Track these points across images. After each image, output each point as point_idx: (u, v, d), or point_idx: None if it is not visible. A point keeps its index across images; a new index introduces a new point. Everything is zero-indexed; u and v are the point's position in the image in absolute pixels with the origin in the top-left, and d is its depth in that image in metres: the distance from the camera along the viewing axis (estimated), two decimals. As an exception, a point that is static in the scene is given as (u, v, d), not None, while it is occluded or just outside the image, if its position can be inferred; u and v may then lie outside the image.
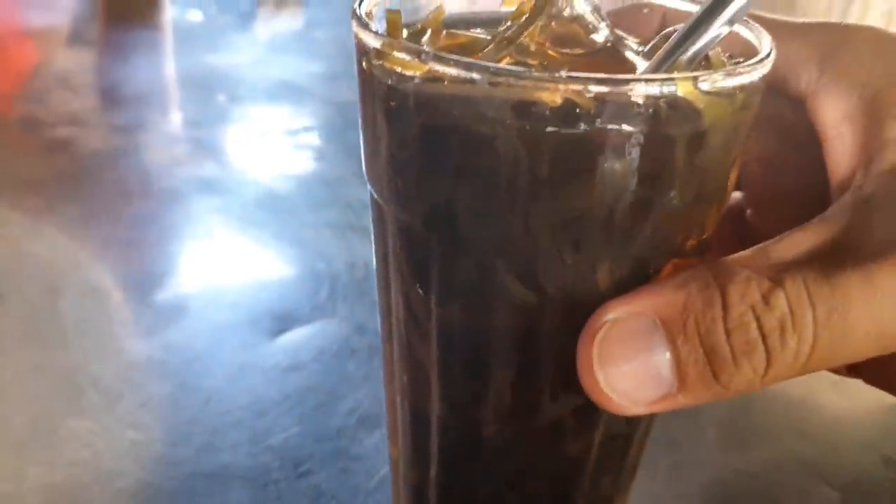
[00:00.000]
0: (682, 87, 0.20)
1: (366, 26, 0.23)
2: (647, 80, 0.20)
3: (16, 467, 0.35)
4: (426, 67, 0.21)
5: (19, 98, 0.78)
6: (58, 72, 0.84)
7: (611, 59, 0.25)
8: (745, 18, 0.24)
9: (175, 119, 0.75)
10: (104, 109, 0.76)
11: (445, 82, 0.21)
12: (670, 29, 0.24)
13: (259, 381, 0.41)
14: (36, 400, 0.39)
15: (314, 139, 0.70)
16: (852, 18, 0.61)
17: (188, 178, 0.62)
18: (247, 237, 0.54)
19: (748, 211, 0.31)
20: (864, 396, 0.42)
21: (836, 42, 0.25)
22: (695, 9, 0.24)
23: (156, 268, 0.50)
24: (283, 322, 0.45)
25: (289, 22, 1.09)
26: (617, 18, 0.28)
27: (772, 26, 0.24)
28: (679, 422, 0.40)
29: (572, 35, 0.25)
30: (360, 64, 0.24)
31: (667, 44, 0.22)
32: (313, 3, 1.16)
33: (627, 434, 0.27)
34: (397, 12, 0.25)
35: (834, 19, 0.63)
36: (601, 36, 0.25)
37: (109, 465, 0.36)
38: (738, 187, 0.30)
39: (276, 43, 1.01)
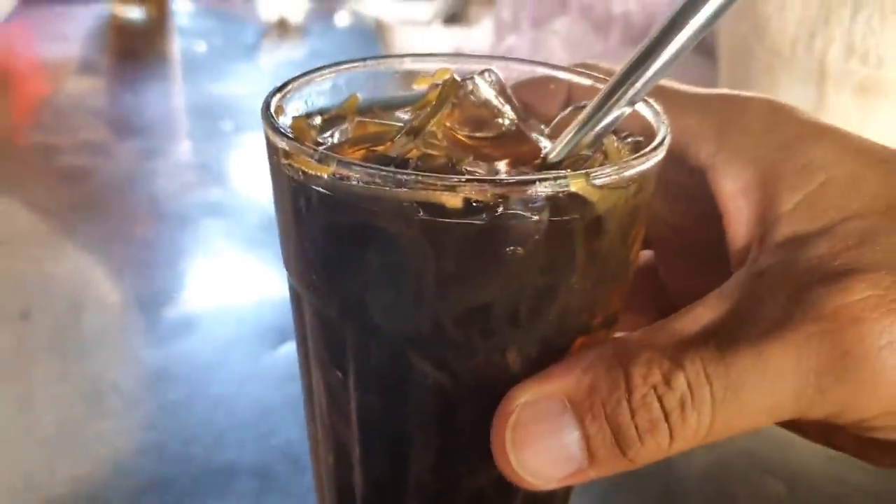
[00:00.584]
0: (575, 184, 0.21)
1: (273, 126, 0.24)
2: (541, 180, 0.21)
3: (45, 461, 0.39)
4: (330, 170, 0.22)
5: (34, 127, 0.82)
6: (70, 102, 0.88)
7: (516, 141, 0.25)
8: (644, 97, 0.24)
9: (183, 146, 0.80)
10: (116, 138, 0.80)
11: (351, 182, 0.21)
12: (573, 106, 0.26)
13: (263, 387, 0.45)
14: (62, 404, 0.43)
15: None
16: (816, 51, 0.65)
17: (196, 203, 0.66)
18: (251, 257, 0.59)
19: (660, 268, 0.31)
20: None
21: (733, 115, 0.25)
22: (599, 85, 0.25)
23: (168, 286, 0.55)
24: (284, 335, 0.49)
25: (291, 52, 1.14)
26: (523, 91, 0.28)
27: (672, 98, 0.25)
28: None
29: (478, 119, 0.25)
30: (270, 159, 0.24)
31: (570, 126, 0.23)
32: (314, 34, 1.21)
33: (548, 497, 0.28)
34: (302, 118, 0.26)
35: (799, 50, 0.67)
36: (506, 118, 0.26)
37: (129, 460, 0.40)
38: (648, 245, 0.31)
39: (279, 73, 1.05)
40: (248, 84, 0.99)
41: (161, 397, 0.44)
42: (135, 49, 1.11)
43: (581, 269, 0.23)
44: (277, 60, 1.13)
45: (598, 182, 0.21)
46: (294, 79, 0.27)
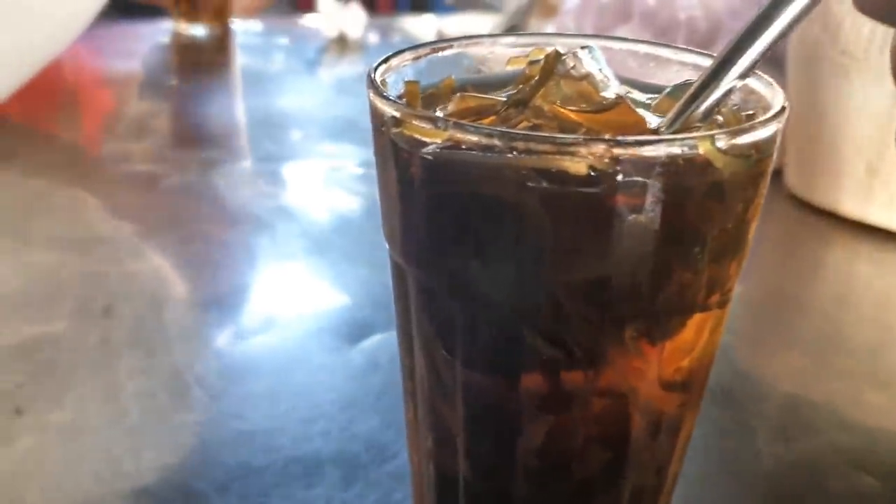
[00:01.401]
0: (702, 146, 0.20)
1: (382, 94, 0.23)
2: (668, 141, 0.21)
3: (133, 450, 0.40)
4: (446, 135, 0.21)
5: (104, 138, 0.84)
6: (137, 114, 0.90)
7: (623, 114, 0.24)
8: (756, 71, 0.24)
9: (252, 155, 0.81)
10: (185, 148, 0.81)
11: (464, 149, 0.21)
12: (679, 82, 0.25)
13: (345, 380, 0.45)
14: (147, 396, 0.43)
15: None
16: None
17: (269, 207, 0.67)
18: (324, 258, 0.59)
19: None
20: (906, 396, 0.45)
21: None
22: (707, 62, 0.24)
23: (245, 283, 0.55)
24: (362, 331, 0.49)
25: (351, 66, 1.15)
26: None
27: None
28: (730, 413, 0.43)
29: (583, 93, 0.25)
30: (376, 130, 0.24)
31: (682, 99, 0.23)
32: (372, 51, 1.22)
33: (656, 486, 0.27)
34: (415, 83, 0.26)
35: (873, 52, 0.66)
36: (611, 92, 0.25)
37: (215, 450, 0.40)
38: None
39: (341, 86, 1.06)
40: (310, 97, 1.00)
41: (245, 389, 0.44)
42: (198, 64, 1.13)
43: (702, 239, 0.22)
44: (338, 74, 1.14)
45: (722, 145, 0.21)
46: (395, 53, 0.27)
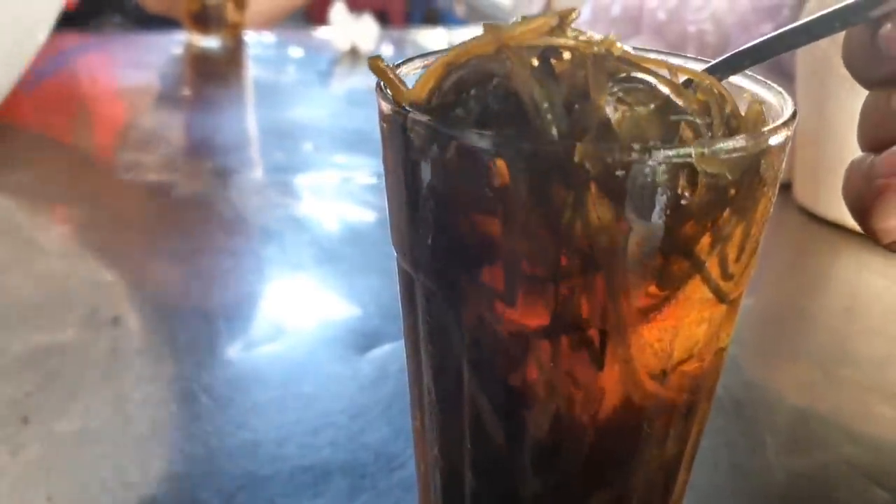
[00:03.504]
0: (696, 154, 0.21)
1: (391, 100, 0.24)
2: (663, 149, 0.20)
3: (141, 460, 0.40)
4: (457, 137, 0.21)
5: (116, 147, 0.84)
6: (149, 125, 0.91)
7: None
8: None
9: (264, 165, 0.81)
10: (197, 158, 0.82)
11: (479, 148, 0.21)
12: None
13: (353, 389, 0.45)
14: (155, 405, 0.44)
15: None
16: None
17: (279, 217, 0.67)
18: (334, 268, 0.59)
19: None
20: (918, 410, 0.45)
21: None
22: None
23: (255, 293, 0.55)
24: (371, 340, 0.49)
25: (363, 78, 1.15)
26: None
27: None
28: (738, 427, 0.43)
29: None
30: (384, 135, 0.24)
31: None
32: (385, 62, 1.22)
33: (664, 494, 0.27)
34: (378, 57, 0.26)
35: None
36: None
37: (223, 459, 0.40)
38: None
39: (352, 98, 1.07)
40: (322, 108, 1.01)
41: (252, 398, 0.44)
42: (211, 76, 1.14)
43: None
44: (350, 86, 1.14)
45: (718, 154, 0.21)
46: (405, 61, 0.27)
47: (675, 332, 0.23)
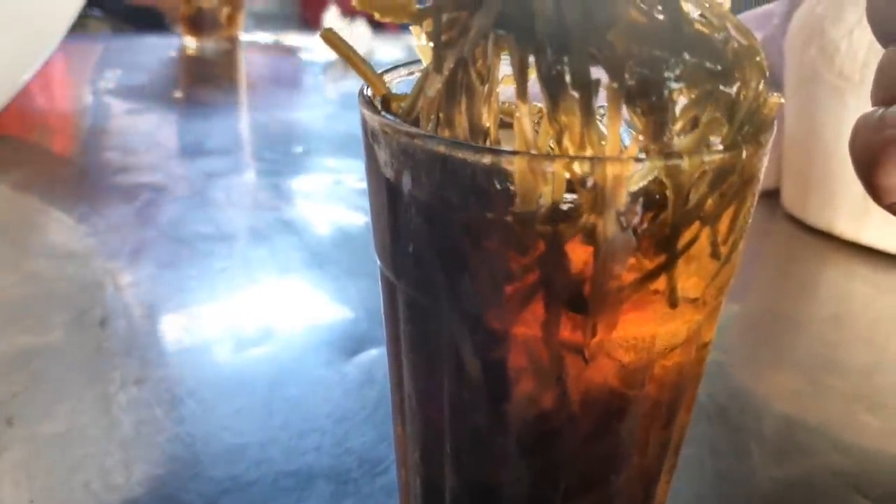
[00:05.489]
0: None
1: (371, 105, 0.24)
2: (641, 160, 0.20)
3: (124, 463, 0.40)
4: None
5: (107, 149, 0.84)
6: (141, 127, 0.90)
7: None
8: None
9: (255, 168, 0.81)
10: (187, 160, 0.82)
11: (458, 154, 0.21)
12: None
13: (339, 394, 0.45)
14: (140, 407, 0.43)
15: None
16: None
17: (268, 220, 0.67)
18: (323, 271, 0.59)
19: None
20: (902, 419, 0.45)
21: None
22: None
23: (242, 296, 0.55)
24: (358, 344, 0.49)
25: (356, 83, 1.16)
26: None
27: None
28: (723, 434, 0.43)
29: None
30: (366, 144, 0.25)
31: None
32: (377, 68, 1.22)
33: (645, 499, 0.27)
34: (330, 29, 0.25)
35: (869, 75, 0.66)
36: None
37: (207, 463, 0.40)
38: None
39: (344, 102, 1.07)
40: (314, 112, 1.01)
41: (238, 402, 0.44)
42: (205, 79, 1.14)
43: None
44: (342, 90, 1.14)
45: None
46: (389, 69, 0.28)
47: (660, 321, 0.22)
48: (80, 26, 1.36)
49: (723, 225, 0.22)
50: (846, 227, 0.68)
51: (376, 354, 0.49)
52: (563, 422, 0.23)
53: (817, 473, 0.41)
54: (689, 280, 0.22)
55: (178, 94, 1.06)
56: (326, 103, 1.08)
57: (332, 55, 1.22)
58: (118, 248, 0.61)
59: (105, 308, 0.52)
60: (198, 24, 1.25)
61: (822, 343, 0.55)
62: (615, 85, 0.20)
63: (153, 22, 1.42)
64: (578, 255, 0.21)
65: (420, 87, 0.24)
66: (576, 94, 0.20)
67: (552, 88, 0.20)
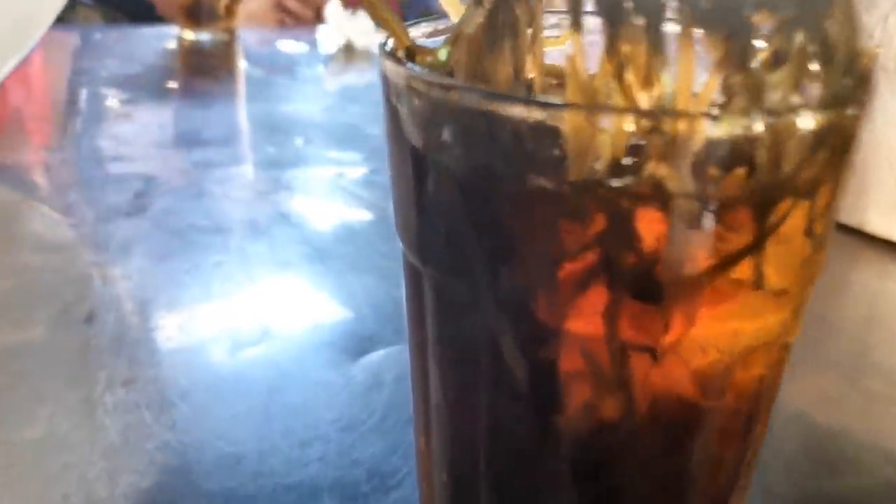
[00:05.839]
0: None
1: (395, 58, 0.20)
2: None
3: (108, 473, 0.36)
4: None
5: (99, 139, 0.80)
6: (137, 118, 0.87)
7: None
8: None
9: (253, 160, 0.77)
10: (182, 150, 0.78)
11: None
12: None
13: (344, 398, 0.41)
14: (127, 411, 0.40)
15: (386, 179, 0.72)
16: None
17: (269, 213, 0.63)
18: (326, 267, 0.55)
19: None
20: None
21: None
22: None
23: (239, 291, 0.51)
24: (364, 344, 0.46)
25: (357, 75, 1.12)
26: None
27: None
28: (769, 449, 0.39)
29: None
30: (388, 105, 0.21)
31: None
32: (378, 61, 1.19)
33: None
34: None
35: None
36: None
37: (200, 474, 0.36)
38: None
39: (346, 94, 1.03)
40: (315, 104, 0.97)
41: (234, 407, 0.40)
42: (203, 70, 1.11)
43: None
44: (344, 83, 1.11)
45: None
46: (412, 23, 0.24)
47: (745, 316, 0.19)
48: (70, 13, 1.33)
49: (821, 200, 0.18)
50: (879, 224, 0.64)
51: (384, 355, 0.45)
52: (625, 439, 0.19)
53: (870, 487, 0.37)
54: (778, 266, 0.18)
55: (173, 85, 1.02)
56: (327, 96, 1.04)
57: (332, 48, 1.19)
58: (107, 239, 0.57)
59: (92, 303, 0.48)
60: (195, 15, 1.21)
61: (858, 343, 0.52)
62: (686, 6, 0.16)
63: (146, 11, 1.38)
64: (649, 230, 0.17)
65: (455, 31, 0.20)
66: (640, 20, 0.16)
67: (612, 14, 0.16)
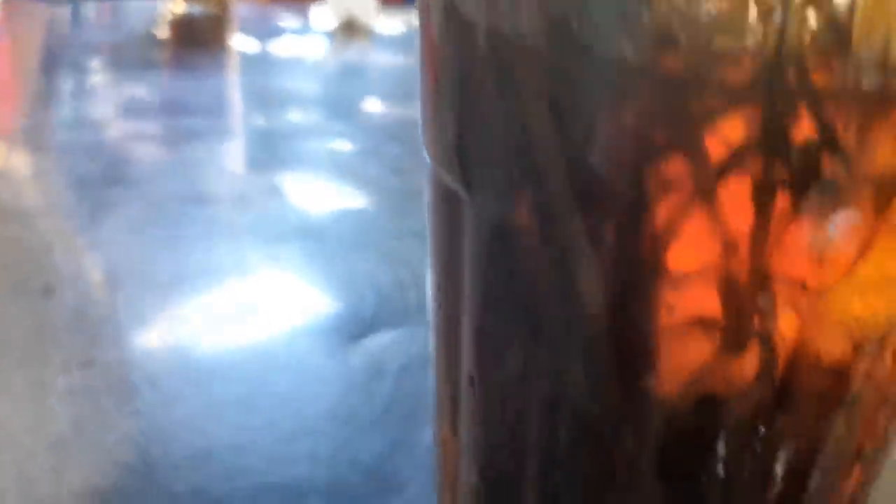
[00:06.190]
0: None
1: None
2: None
3: (55, 468, 0.30)
4: None
5: (75, 105, 0.75)
6: (121, 86, 0.81)
7: None
8: None
9: (244, 131, 0.71)
10: (168, 117, 0.72)
11: None
12: None
13: (338, 387, 0.35)
14: (84, 397, 0.34)
15: (390, 155, 0.66)
16: None
17: (257, 184, 0.57)
18: (321, 244, 0.49)
19: None
20: None
21: None
22: None
23: (221, 266, 0.46)
24: (363, 327, 0.40)
25: (359, 51, 1.07)
26: None
27: None
28: None
29: None
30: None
31: None
32: (379, 38, 1.14)
33: None
34: None
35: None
36: None
37: (164, 472, 0.30)
38: None
39: (346, 70, 0.98)
40: (313, 79, 0.92)
41: (209, 394, 0.34)
42: (194, 42, 1.06)
43: None
44: (344, 59, 1.05)
45: None
46: None
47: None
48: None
49: None
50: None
51: (387, 341, 0.39)
52: (757, 417, 0.13)
53: None
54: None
55: (162, 56, 0.97)
56: (325, 71, 0.99)
57: (333, 24, 1.14)
58: (76, 208, 0.51)
59: (50, 275, 0.43)
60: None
61: None
62: None
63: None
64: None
65: None
66: None
67: None
